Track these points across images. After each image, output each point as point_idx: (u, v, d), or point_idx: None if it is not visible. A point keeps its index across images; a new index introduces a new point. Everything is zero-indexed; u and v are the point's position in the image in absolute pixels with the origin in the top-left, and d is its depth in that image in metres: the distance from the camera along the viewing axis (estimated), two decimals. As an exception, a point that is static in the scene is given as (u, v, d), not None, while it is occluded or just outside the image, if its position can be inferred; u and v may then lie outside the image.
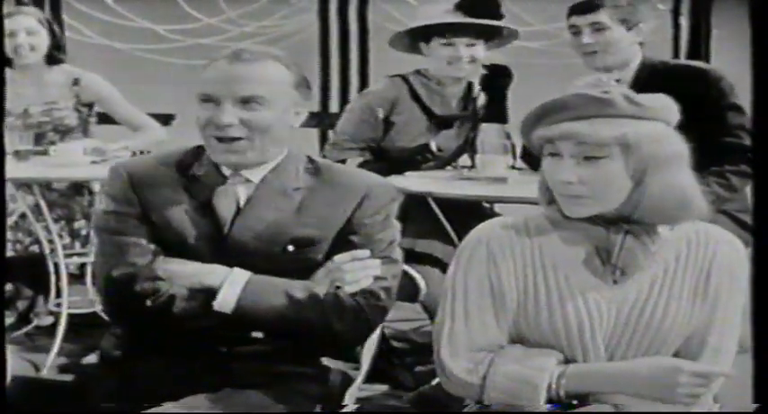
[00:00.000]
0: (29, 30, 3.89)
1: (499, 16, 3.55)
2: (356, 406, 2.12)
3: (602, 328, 1.80)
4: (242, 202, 2.04)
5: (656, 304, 1.80)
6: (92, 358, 3.59)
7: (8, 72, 3.91)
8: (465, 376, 1.82)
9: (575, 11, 3.26)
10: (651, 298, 1.81)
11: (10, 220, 3.75)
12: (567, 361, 1.81)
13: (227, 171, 2.05)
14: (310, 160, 2.12)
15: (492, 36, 3.57)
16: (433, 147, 3.47)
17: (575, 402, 1.79)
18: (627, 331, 1.80)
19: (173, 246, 2.00)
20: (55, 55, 3.97)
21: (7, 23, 3.84)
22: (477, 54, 3.51)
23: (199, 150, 2.08)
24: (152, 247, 2.00)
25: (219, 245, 2.01)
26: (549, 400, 1.77)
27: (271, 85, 2.00)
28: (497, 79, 3.57)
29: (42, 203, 3.65)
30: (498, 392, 1.79)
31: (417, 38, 3.58)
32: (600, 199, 1.75)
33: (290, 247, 2.01)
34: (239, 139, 1.99)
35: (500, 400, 1.79)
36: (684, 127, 1.82)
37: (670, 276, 1.82)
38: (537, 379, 1.77)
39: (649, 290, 1.81)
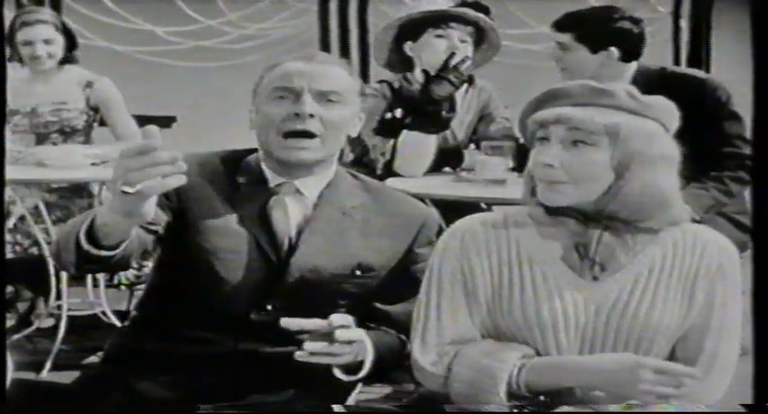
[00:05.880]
0: (47, 39, 3.89)
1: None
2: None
3: (579, 327, 1.78)
4: (297, 219, 2.01)
5: (639, 304, 1.78)
6: (92, 359, 3.62)
7: (21, 70, 3.92)
8: (431, 368, 1.83)
9: (552, 26, 3.34)
10: (634, 298, 1.79)
11: (9, 223, 3.75)
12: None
13: (273, 181, 2.02)
14: (353, 176, 2.12)
15: (479, 41, 3.58)
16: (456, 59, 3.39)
17: (542, 398, 1.77)
18: (609, 331, 1.78)
19: (213, 255, 1.96)
20: (69, 56, 3.98)
21: (24, 33, 3.85)
22: (468, 53, 3.48)
23: (239, 156, 2.06)
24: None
25: (279, 261, 1.99)
26: (510, 394, 1.75)
27: (345, 85, 2.01)
28: None
29: (41, 205, 3.65)
30: (460, 383, 1.79)
31: (406, 35, 3.58)
32: (578, 186, 1.75)
33: (357, 272, 2.01)
34: (313, 136, 1.96)
35: (462, 391, 1.78)
36: (681, 135, 1.83)
37: (655, 276, 1.80)
38: (497, 370, 1.76)
39: (632, 289, 1.79)
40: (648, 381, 1.70)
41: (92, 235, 1.68)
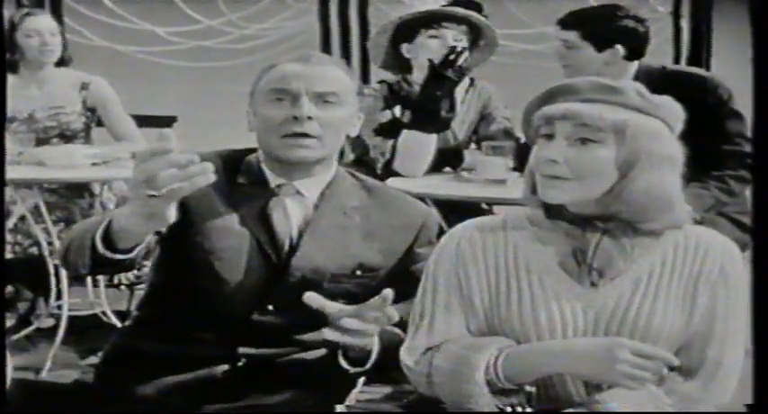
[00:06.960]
0: (51, 31, 3.93)
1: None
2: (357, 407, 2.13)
3: (578, 334, 1.75)
4: (298, 219, 2.02)
5: (638, 311, 1.74)
6: (92, 359, 3.62)
7: (10, 76, 3.90)
8: (415, 366, 1.81)
9: (557, 24, 3.35)
10: (634, 304, 1.75)
11: (9, 223, 3.75)
12: None
13: (273, 182, 2.02)
14: (353, 176, 2.12)
15: (476, 39, 3.59)
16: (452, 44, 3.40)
17: (531, 389, 1.74)
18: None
19: (214, 255, 1.97)
20: (63, 57, 3.99)
21: (31, 22, 3.89)
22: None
23: (240, 156, 2.06)
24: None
25: (280, 262, 1.99)
26: (492, 385, 1.73)
27: (342, 85, 2.01)
28: None
29: (42, 205, 3.65)
30: (440, 377, 1.77)
31: (401, 36, 3.58)
32: (581, 184, 1.71)
33: (358, 272, 2.02)
34: (312, 137, 1.97)
35: (443, 384, 1.76)
36: (682, 133, 1.82)
37: (655, 281, 1.76)
38: (473, 358, 1.73)
39: (631, 295, 1.75)
40: (626, 361, 1.65)
41: (107, 238, 1.68)
